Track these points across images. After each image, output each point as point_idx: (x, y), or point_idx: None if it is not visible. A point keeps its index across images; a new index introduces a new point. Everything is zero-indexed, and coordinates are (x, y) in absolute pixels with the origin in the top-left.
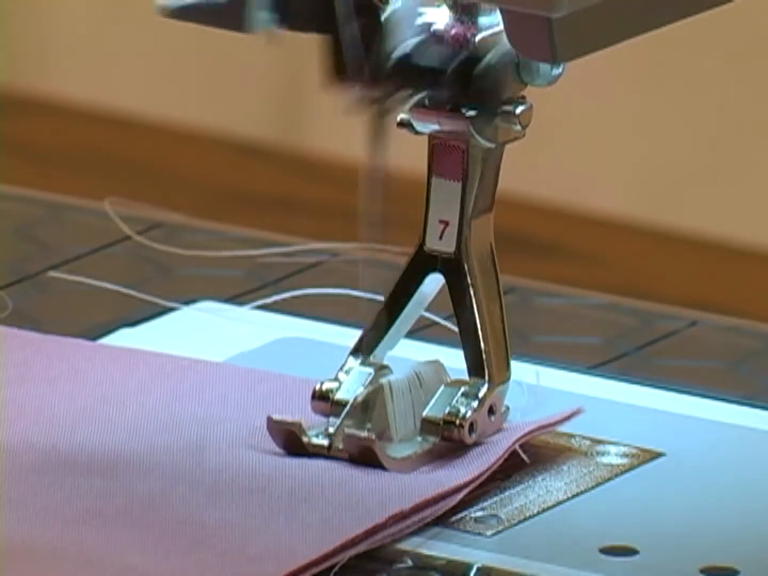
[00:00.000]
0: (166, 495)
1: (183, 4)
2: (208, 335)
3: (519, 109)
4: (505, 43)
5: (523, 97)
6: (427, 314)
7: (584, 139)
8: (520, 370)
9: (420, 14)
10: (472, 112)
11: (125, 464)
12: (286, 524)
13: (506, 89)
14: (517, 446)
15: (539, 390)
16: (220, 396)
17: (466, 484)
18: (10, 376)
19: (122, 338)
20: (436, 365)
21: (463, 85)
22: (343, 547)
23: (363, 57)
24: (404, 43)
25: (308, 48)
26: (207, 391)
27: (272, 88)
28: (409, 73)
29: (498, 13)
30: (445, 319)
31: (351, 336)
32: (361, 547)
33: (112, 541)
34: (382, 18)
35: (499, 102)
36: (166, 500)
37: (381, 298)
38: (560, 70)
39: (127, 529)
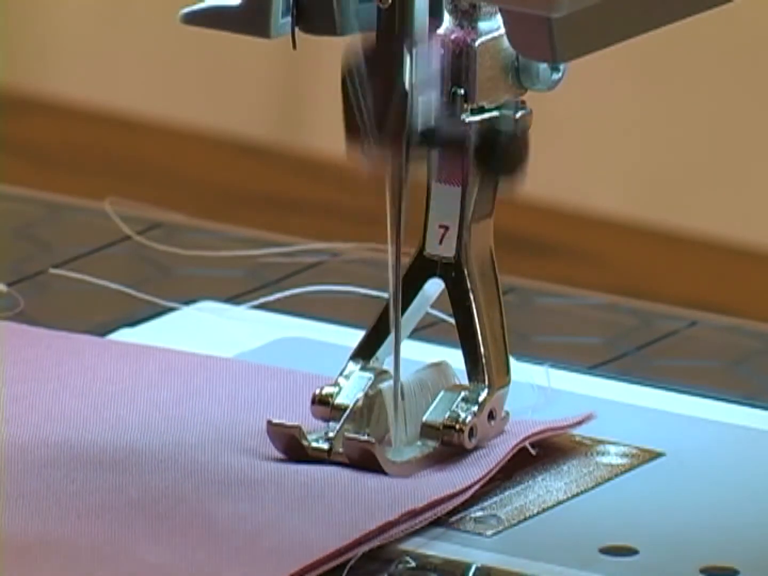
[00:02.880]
0: (178, 487)
1: (199, 10)
2: (208, 335)
3: (519, 114)
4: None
5: (523, 102)
6: (432, 311)
7: (584, 139)
8: (530, 371)
9: (440, 76)
10: (472, 118)
11: (137, 459)
12: (299, 518)
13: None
14: (527, 443)
15: (543, 390)
16: (230, 392)
17: (477, 482)
18: (21, 373)
19: (122, 338)
20: (440, 367)
21: (486, 156)
22: (357, 543)
23: (384, 121)
24: (426, 110)
25: (308, 49)
26: (217, 388)
27: (272, 88)
28: (431, 141)
29: (497, 17)
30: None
31: (351, 336)
32: (374, 543)
33: (125, 535)
34: (405, 83)
35: (524, 167)
36: (179, 493)
37: (378, 293)
38: (560, 74)
39: (140, 522)
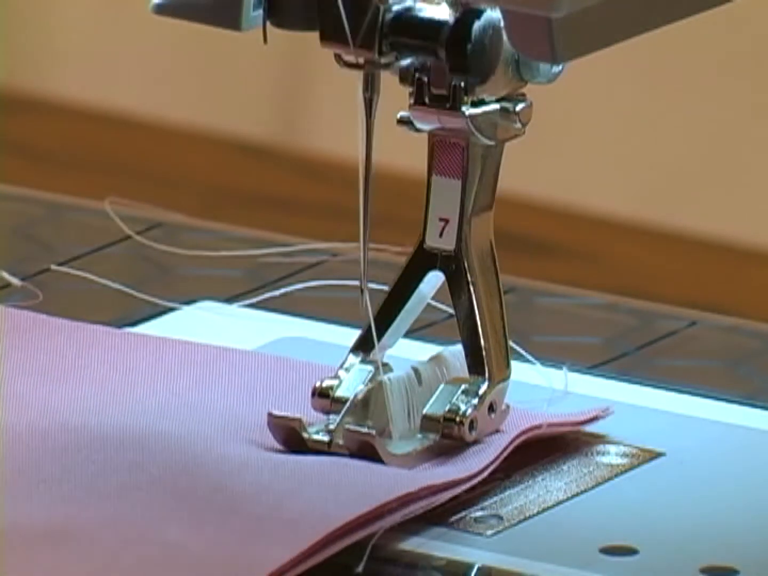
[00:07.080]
0: (198, 463)
1: (170, 1)
2: (208, 335)
3: (519, 107)
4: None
5: (523, 95)
6: (433, 302)
7: (584, 139)
8: (546, 372)
9: None
10: (472, 110)
11: (156, 439)
12: (319, 490)
13: (498, 58)
14: (541, 426)
15: (545, 390)
16: (248, 382)
17: (492, 463)
18: (40, 364)
19: None
20: (438, 360)
21: (457, 52)
22: (378, 514)
23: (358, 17)
24: (400, 4)
25: (308, 49)
26: (236, 378)
27: (273, 89)
28: (404, 35)
29: (497, 11)
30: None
31: (351, 335)
32: (395, 519)
33: (148, 515)
34: None
35: (492, 69)
36: (199, 468)
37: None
38: (560, 67)
39: (161, 499)
